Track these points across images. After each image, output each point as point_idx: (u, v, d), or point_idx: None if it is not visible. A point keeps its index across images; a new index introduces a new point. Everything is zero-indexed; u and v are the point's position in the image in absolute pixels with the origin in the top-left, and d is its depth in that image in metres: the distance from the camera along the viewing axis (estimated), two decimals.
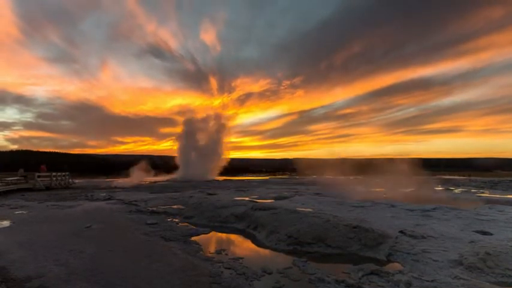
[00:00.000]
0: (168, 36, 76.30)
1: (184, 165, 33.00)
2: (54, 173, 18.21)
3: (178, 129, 38.77)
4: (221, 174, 38.45)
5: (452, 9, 60.45)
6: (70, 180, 20.14)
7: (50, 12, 63.22)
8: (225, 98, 76.41)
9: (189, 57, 77.58)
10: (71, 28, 69.30)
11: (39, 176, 17.04)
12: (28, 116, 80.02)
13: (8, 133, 73.62)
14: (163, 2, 70.21)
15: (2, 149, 51.60)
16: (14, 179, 16.55)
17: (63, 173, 19.44)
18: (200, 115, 38.71)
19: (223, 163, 36.59)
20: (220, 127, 36.80)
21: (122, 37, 72.74)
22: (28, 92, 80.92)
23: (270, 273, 4.02)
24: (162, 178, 29.90)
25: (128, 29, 70.06)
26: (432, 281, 3.61)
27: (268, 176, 40.97)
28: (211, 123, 36.95)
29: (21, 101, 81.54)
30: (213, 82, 75.95)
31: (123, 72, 79.18)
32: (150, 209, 9.45)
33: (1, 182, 15.08)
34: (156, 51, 77.88)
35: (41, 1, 58.78)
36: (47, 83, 78.90)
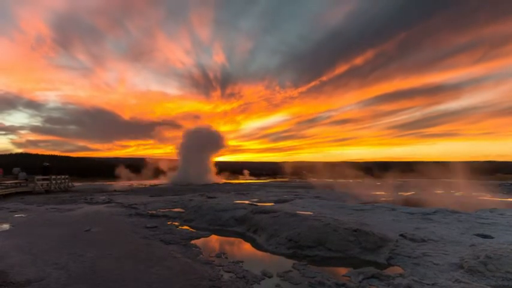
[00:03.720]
0: (182, 54, 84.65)
1: (181, 169, 32.80)
2: (53, 176, 18.19)
3: (180, 133, 38.67)
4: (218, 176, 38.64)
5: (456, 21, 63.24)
6: (70, 183, 20.12)
7: (79, 29, 69.72)
8: (227, 106, 78.86)
9: (199, 70, 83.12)
10: (94, 43, 75.79)
11: (38, 180, 17.02)
12: (37, 120, 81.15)
13: (14, 137, 74.40)
14: (182, 27, 79.63)
15: (5, 152, 52.40)
16: (13, 182, 16.53)
17: (63, 176, 19.42)
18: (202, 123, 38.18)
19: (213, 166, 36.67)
20: (217, 140, 36.69)
21: (140, 54, 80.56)
22: (39, 97, 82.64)
23: (270, 277, 4.01)
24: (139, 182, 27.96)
25: (146, 48, 78.45)
26: (433, 284, 3.60)
27: (268, 179, 40.91)
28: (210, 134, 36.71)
29: (32, 105, 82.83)
30: (220, 91, 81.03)
31: (136, 81, 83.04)
32: (150, 212, 9.43)
33: (0, 185, 15.05)
34: (170, 66, 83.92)
35: (72, 19, 67.73)
36: (59, 88, 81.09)
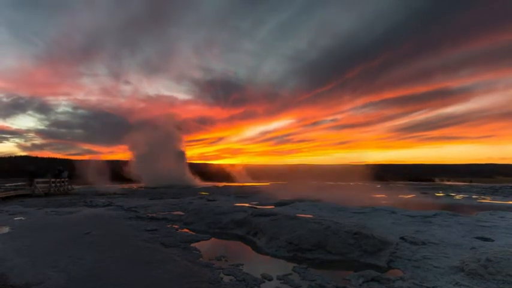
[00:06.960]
0: (192, 63, 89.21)
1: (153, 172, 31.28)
2: (53, 179, 18.18)
3: (188, 136, 38.57)
4: (206, 179, 38.58)
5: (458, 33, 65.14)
6: (69, 186, 20.10)
7: (99, 45, 77.18)
8: (231, 111, 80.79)
9: (206, 78, 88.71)
10: (110, 55, 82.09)
11: (38, 182, 17.00)
12: (43, 124, 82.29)
13: (19, 140, 75.29)
14: (193, 41, 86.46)
15: (7, 155, 53.19)
16: (12, 185, 16.50)
17: (63, 179, 19.40)
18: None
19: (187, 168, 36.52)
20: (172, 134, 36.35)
21: (155, 67, 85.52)
22: (50, 101, 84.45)
23: (270, 280, 4.00)
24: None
25: (161, 63, 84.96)
26: (433, 287, 3.59)
27: (269, 182, 40.85)
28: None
29: (42, 109, 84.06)
30: (224, 97, 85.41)
31: (146, 87, 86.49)
32: (150, 215, 9.41)
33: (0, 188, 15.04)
34: (178, 74, 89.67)
35: (94, 36, 74.47)
36: (69, 93, 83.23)
